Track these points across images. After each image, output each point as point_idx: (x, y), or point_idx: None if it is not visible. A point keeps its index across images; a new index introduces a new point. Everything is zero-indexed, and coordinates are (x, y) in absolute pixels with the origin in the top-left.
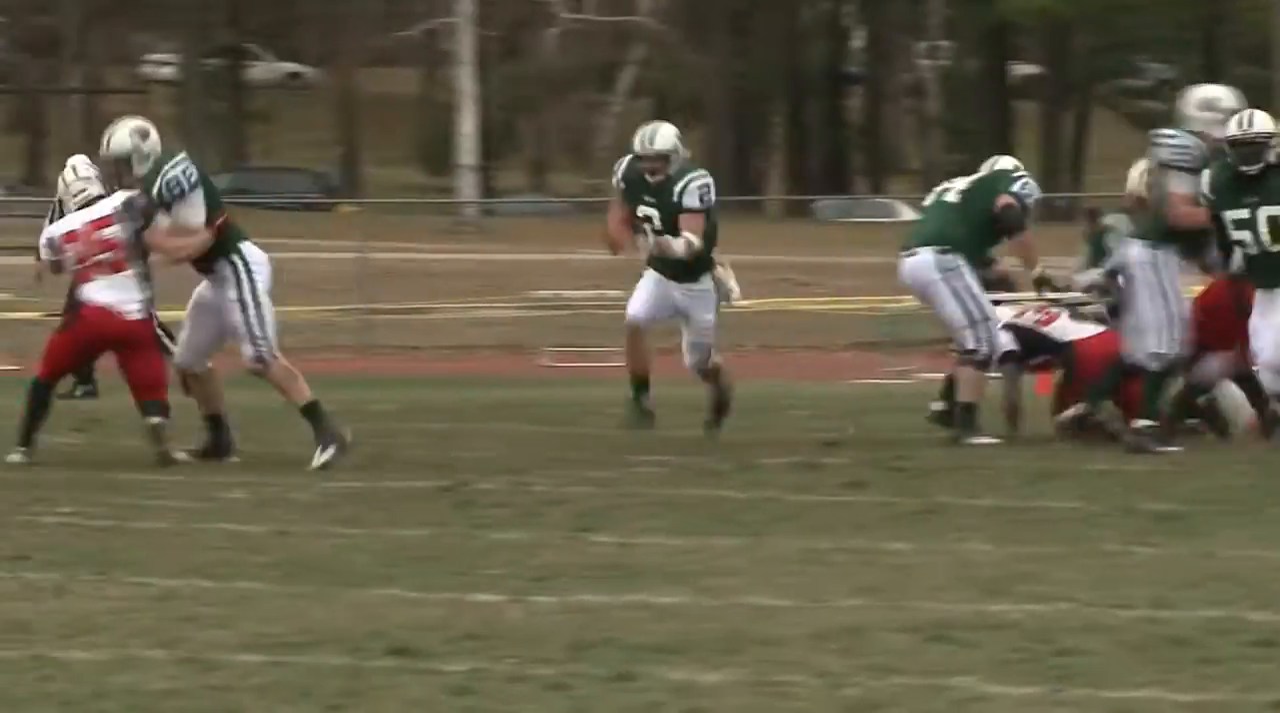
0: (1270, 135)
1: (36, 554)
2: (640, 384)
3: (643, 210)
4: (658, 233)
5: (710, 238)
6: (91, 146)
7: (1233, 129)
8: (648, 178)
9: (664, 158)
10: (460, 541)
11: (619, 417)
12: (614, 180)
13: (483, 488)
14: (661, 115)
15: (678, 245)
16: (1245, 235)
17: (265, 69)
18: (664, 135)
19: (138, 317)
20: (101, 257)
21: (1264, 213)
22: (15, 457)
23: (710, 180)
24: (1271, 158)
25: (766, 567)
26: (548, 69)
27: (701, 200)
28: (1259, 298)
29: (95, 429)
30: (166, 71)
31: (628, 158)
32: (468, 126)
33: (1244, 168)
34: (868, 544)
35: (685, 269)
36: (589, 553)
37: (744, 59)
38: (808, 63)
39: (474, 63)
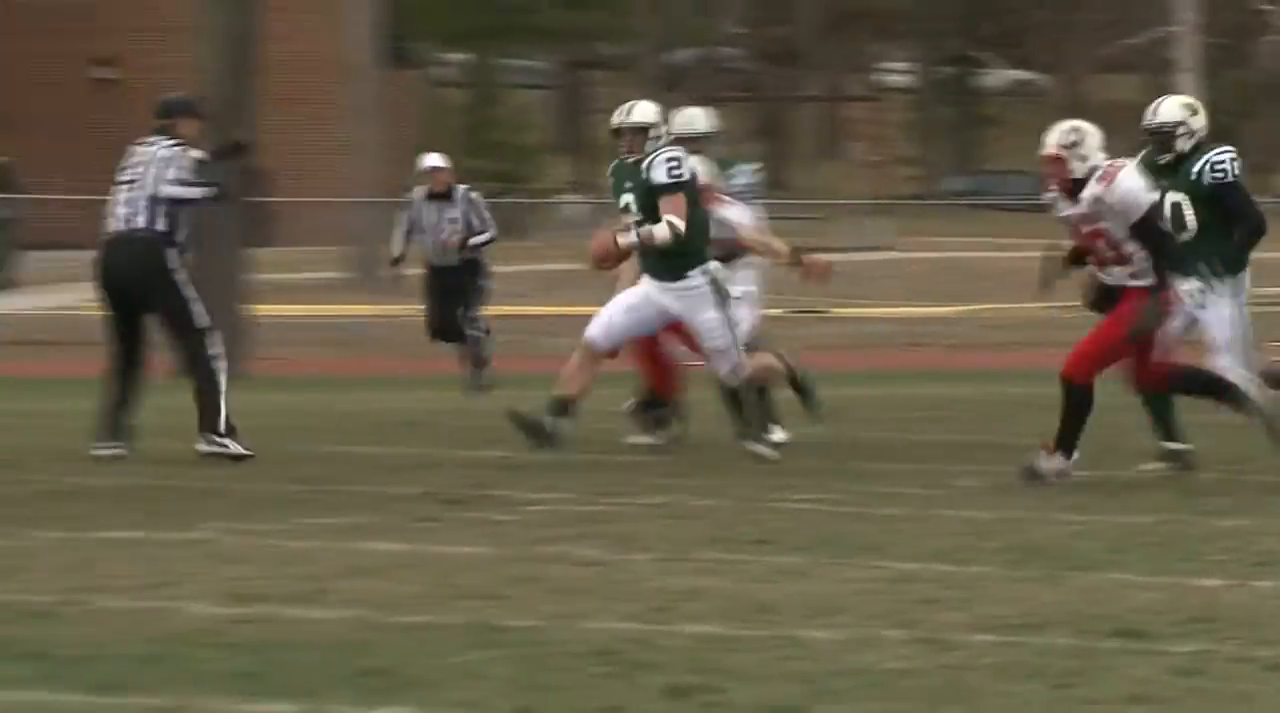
0: (1176, 124)
1: (781, 539)
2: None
3: (624, 199)
4: (638, 223)
5: (700, 227)
6: (830, 151)
7: (1145, 118)
8: (624, 158)
9: (641, 131)
10: (1184, 527)
11: None
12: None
13: (1207, 477)
14: None
15: (659, 231)
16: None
17: (996, 76)
18: (643, 108)
19: None
20: None
21: (1169, 198)
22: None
23: (681, 156)
24: (1181, 146)
25: None
26: (1268, 74)
27: (669, 174)
28: None
29: (836, 420)
30: (901, 79)
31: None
32: None
33: (1156, 157)
34: None
35: (669, 267)
36: None
37: None
38: None
39: (1197, 70)
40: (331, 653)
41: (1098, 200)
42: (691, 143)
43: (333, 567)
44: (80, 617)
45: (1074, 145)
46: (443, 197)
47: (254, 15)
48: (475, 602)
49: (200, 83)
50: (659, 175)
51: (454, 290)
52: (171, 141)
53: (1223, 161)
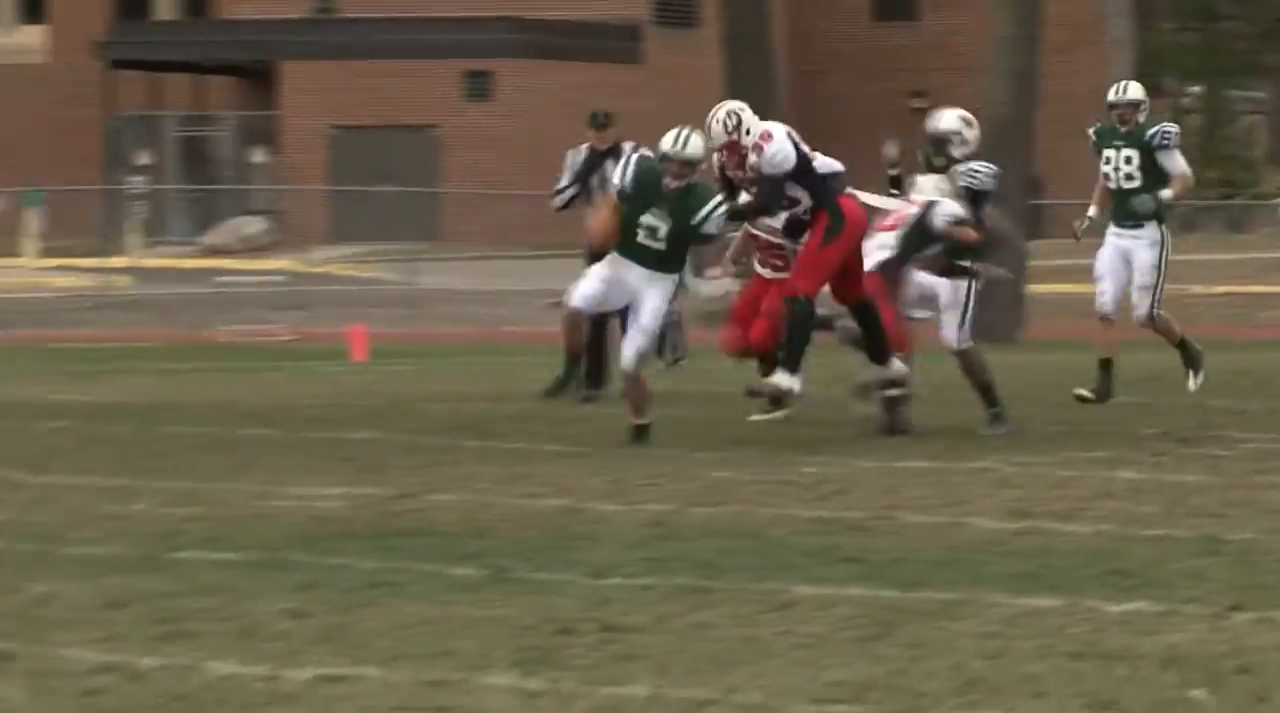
0: (952, 133)
1: None
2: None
3: (647, 220)
4: (652, 244)
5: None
6: None
7: (929, 124)
8: (666, 182)
9: (693, 165)
10: None
11: None
12: (619, 179)
13: None
14: None
15: (708, 289)
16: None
17: None
18: (697, 142)
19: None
20: None
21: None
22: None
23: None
24: (955, 153)
25: None
26: None
27: (718, 231)
28: None
29: None
30: None
31: (636, 157)
32: None
33: (934, 158)
34: None
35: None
36: None
37: None
38: None
39: None
40: (1087, 559)
41: (754, 166)
42: (1123, 109)
43: (1089, 490)
44: (890, 529)
45: (738, 127)
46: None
47: (1035, 57)
48: (1202, 519)
49: (985, 110)
50: (711, 229)
51: None
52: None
53: (978, 172)
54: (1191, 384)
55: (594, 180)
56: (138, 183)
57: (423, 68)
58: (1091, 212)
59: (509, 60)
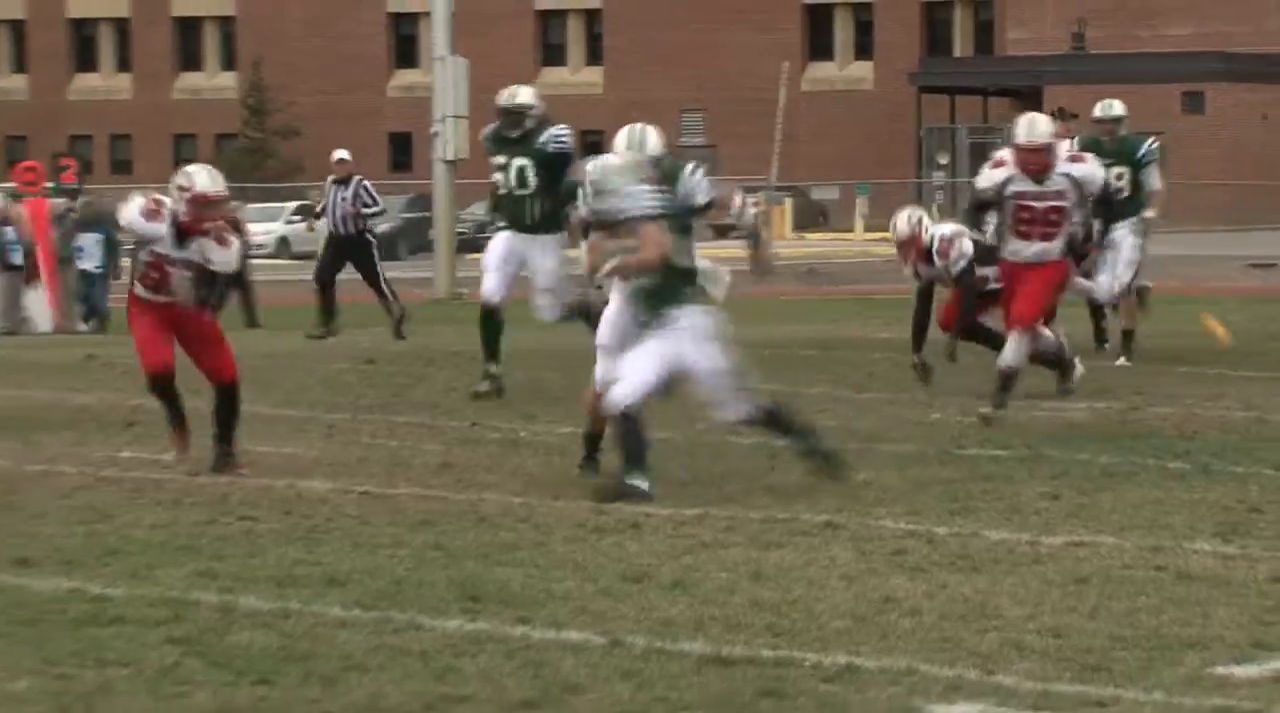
0: (528, 107)
1: None
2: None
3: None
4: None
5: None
6: None
7: (502, 99)
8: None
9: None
10: None
11: None
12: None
13: None
14: None
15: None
16: (500, 178)
17: None
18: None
19: None
20: None
21: (515, 164)
22: None
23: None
24: (529, 124)
25: None
26: None
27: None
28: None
29: None
30: None
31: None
32: None
33: (505, 132)
34: None
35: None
36: None
37: None
38: None
39: None
40: None
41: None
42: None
43: None
44: None
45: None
46: (342, 182)
47: None
48: None
49: None
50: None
51: (344, 255)
52: None
53: (563, 135)
54: None
55: None
56: (939, 177)
57: (1151, 90)
58: None
59: (1215, 83)
